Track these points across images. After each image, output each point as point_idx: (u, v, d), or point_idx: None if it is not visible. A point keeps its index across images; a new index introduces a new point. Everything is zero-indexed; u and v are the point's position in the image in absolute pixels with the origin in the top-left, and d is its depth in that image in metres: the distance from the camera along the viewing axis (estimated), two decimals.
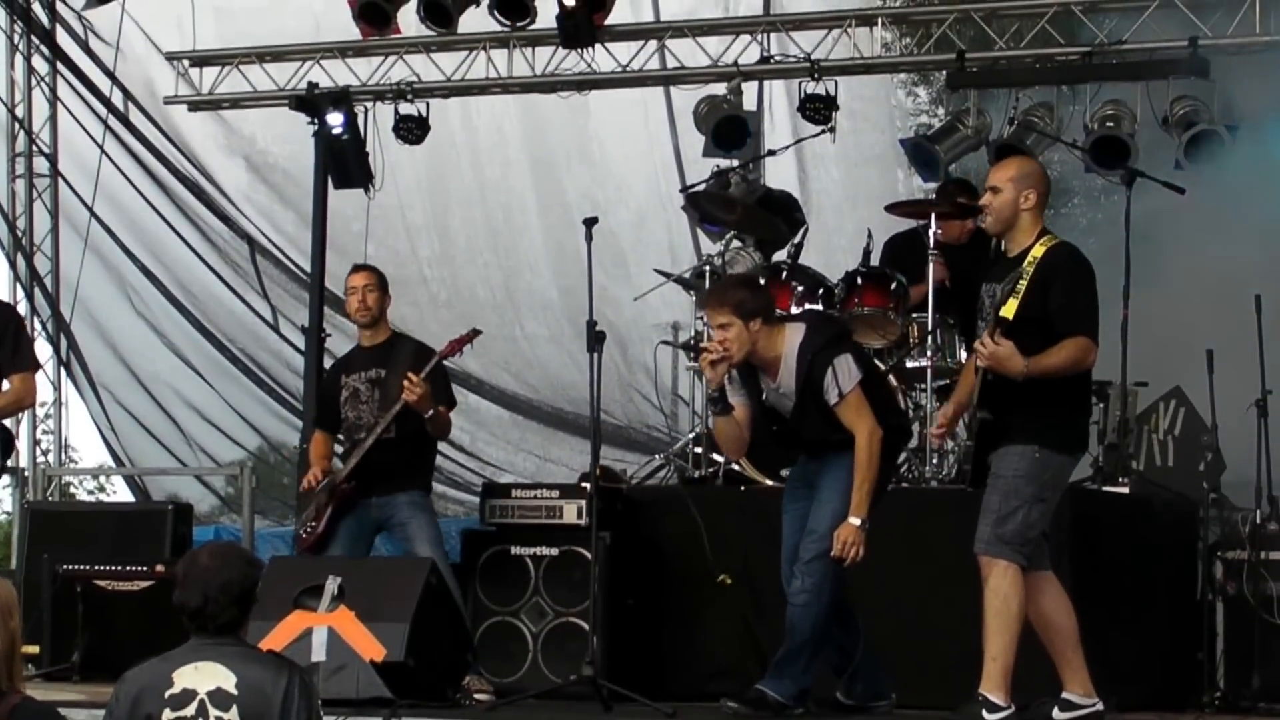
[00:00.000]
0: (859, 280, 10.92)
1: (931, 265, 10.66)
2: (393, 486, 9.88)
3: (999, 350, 7.73)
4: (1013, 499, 7.88)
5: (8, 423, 9.55)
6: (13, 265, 15.29)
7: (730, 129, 13.28)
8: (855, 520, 8.33)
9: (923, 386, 10.74)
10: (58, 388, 15.40)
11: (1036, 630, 8.12)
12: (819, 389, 8.40)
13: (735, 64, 13.51)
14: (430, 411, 9.76)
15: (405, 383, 9.64)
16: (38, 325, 14.86)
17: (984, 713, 7.89)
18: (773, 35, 13.66)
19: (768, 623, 9.67)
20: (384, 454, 9.83)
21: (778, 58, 13.58)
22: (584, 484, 10.08)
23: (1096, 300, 8.07)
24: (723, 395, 8.61)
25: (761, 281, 9.88)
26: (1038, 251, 7.93)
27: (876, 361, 10.01)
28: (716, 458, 10.94)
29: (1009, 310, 7.77)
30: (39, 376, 9.76)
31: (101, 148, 14.89)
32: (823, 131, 13.15)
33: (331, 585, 8.95)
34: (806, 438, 8.64)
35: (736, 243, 11.92)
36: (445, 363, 10.14)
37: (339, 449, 10.39)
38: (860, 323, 10.86)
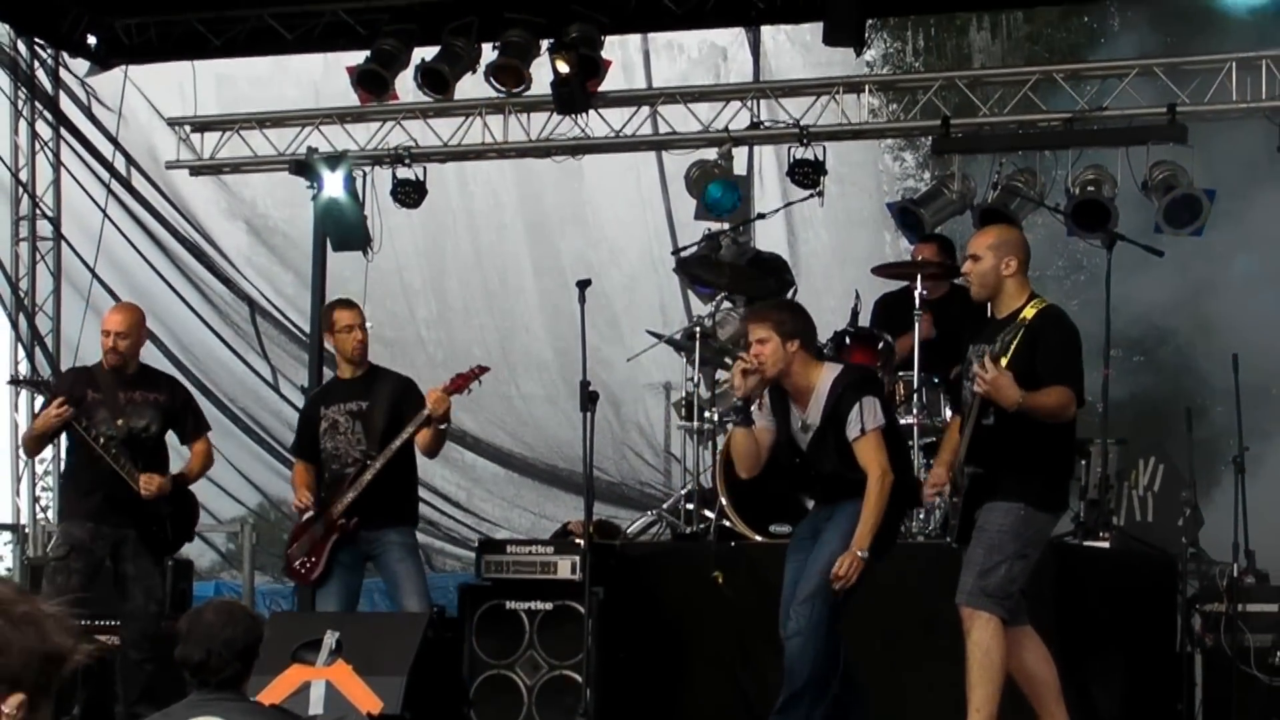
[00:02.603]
0: (847, 340, 11.03)
1: (917, 324, 10.77)
2: (383, 521, 9.82)
3: (1000, 378, 7.76)
4: (996, 554, 7.96)
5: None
6: (14, 325, 15.35)
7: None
8: (859, 551, 8.22)
9: (909, 444, 10.82)
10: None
11: (1019, 684, 8.17)
12: (842, 421, 8.33)
13: (726, 129, 13.59)
14: (445, 424, 9.81)
15: (431, 397, 9.68)
16: None
17: None
18: (762, 101, 13.76)
19: (754, 675, 9.78)
20: (372, 488, 9.76)
21: (767, 123, 13.66)
22: (575, 538, 10.17)
23: (1081, 360, 8.17)
24: (746, 406, 8.58)
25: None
26: (1028, 313, 8.03)
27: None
28: (708, 514, 11.02)
29: None
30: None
31: (104, 211, 14.93)
32: (811, 195, 13.23)
33: (330, 639, 8.99)
34: (821, 471, 8.54)
35: (727, 304, 12.02)
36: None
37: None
38: None
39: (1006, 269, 8.16)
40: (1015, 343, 7.90)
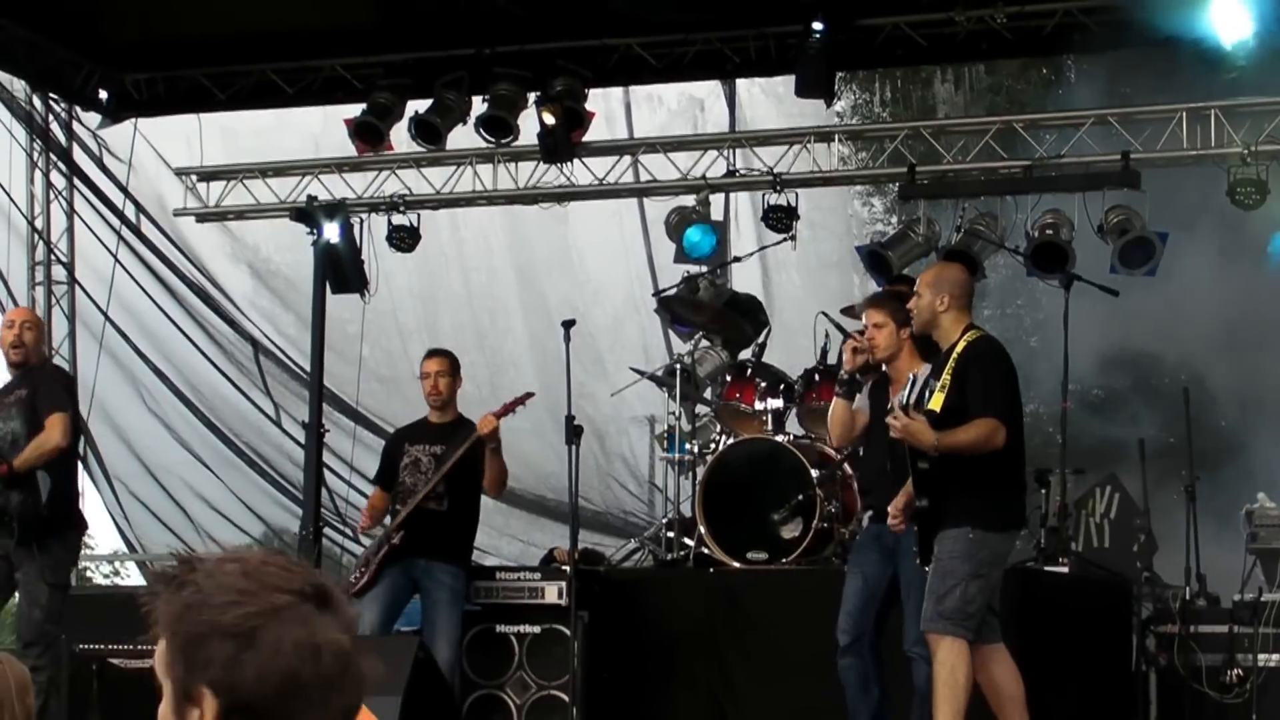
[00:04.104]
0: (816, 377, 11.04)
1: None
2: (439, 554, 10.00)
3: (911, 424, 7.84)
4: (950, 578, 7.97)
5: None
6: None
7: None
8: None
9: None
10: None
11: (987, 697, 8.18)
12: None
13: (703, 177, 13.63)
14: (495, 442, 9.99)
15: (482, 421, 9.93)
16: None
17: None
18: (738, 150, 13.80)
19: (732, 693, 9.77)
20: (435, 523, 9.99)
21: (743, 171, 13.70)
22: (561, 565, 10.18)
23: (1006, 385, 8.16)
24: (852, 380, 8.86)
25: None
26: (960, 347, 8.10)
27: None
28: (687, 542, 11.01)
29: (935, 403, 7.91)
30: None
31: (115, 257, 14.96)
32: (785, 239, 13.26)
33: None
34: (900, 452, 8.35)
35: (705, 342, 12.04)
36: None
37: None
38: (817, 417, 10.96)
39: (941, 304, 8.22)
40: (949, 379, 7.94)
